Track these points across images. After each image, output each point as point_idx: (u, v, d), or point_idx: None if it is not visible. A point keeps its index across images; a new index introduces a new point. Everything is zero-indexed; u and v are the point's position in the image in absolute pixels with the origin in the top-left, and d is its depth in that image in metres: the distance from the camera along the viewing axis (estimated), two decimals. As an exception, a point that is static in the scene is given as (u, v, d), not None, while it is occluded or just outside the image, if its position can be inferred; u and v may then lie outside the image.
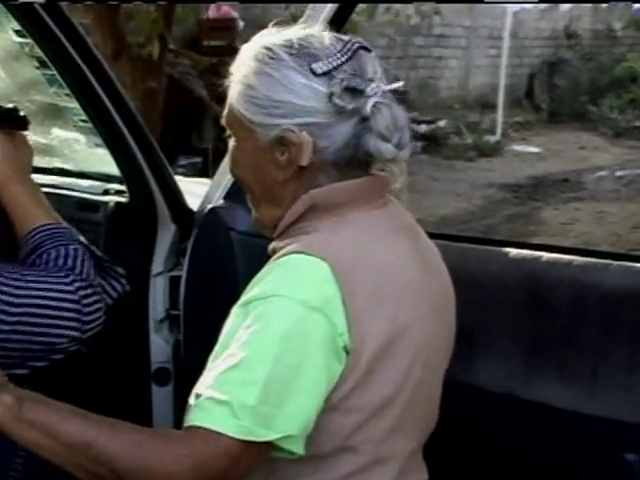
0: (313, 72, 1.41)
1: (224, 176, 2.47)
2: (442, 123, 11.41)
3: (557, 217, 8.28)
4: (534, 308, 2.08)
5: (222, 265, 2.50)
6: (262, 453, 1.34)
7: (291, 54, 1.42)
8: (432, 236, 2.31)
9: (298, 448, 1.34)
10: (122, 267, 2.49)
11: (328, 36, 1.46)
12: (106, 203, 2.68)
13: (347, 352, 1.37)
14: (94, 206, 2.69)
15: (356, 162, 1.47)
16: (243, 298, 1.41)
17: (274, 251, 1.51)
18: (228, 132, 1.52)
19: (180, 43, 8.98)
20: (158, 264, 2.61)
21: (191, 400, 1.35)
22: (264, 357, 1.32)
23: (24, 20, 2.28)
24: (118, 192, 2.70)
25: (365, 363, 1.39)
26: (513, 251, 2.14)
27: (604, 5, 13.97)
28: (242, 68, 1.46)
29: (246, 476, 1.38)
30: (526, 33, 14.19)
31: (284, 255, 1.42)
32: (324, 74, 1.41)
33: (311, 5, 2.24)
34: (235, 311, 1.41)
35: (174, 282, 2.59)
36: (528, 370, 2.07)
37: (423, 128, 11.12)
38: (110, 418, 1.37)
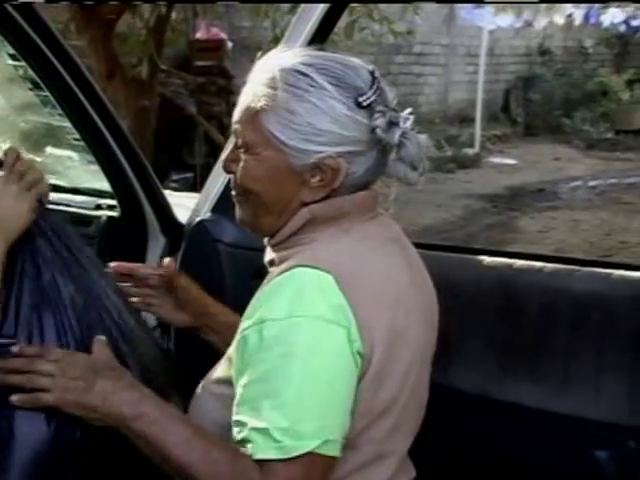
0: (358, 105, 1.43)
1: (212, 190, 2.48)
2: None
3: (533, 225, 8.28)
4: (507, 313, 2.08)
5: (210, 275, 2.49)
6: (323, 464, 1.36)
7: (332, 84, 1.43)
8: (414, 246, 2.32)
9: (336, 451, 1.37)
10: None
11: (356, 64, 1.48)
12: (98, 217, 2.68)
13: (361, 357, 1.39)
14: (87, 220, 2.69)
15: (366, 184, 1.50)
16: (254, 316, 1.41)
17: (273, 263, 1.52)
18: (240, 143, 1.49)
19: (171, 63, 8.96)
20: (149, 275, 2.60)
21: (237, 430, 1.38)
22: (291, 380, 1.35)
23: (18, 44, 2.28)
24: (110, 207, 2.70)
25: (374, 368, 1.41)
26: (487, 258, 2.15)
27: (576, 23, 14.00)
28: (273, 93, 1.43)
29: None
30: (502, 51, 14.21)
31: (289, 269, 1.42)
32: (367, 107, 1.43)
33: (292, 24, 2.24)
34: (248, 331, 1.41)
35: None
36: (502, 372, 2.08)
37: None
38: (207, 438, 1.43)
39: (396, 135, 1.44)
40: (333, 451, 1.36)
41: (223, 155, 1.58)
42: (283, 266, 1.44)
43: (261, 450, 1.34)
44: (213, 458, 1.39)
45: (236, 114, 1.50)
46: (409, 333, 1.49)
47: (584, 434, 1.98)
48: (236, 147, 1.51)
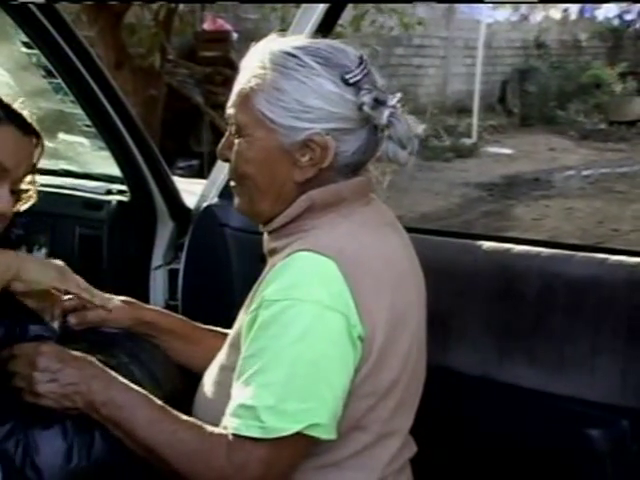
0: (345, 82, 1.43)
1: (219, 176, 2.47)
2: (422, 127, 11.39)
3: (529, 213, 8.27)
4: (505, 296, 2.08)
5: (216, 259, 2.50)
6: (300, 446, 1.38)
7: (320, 63, 1.43)
8: (412, 231, 2.32)
9: (329, 434, 1.37)
10: (124, 261, 2.51)
11: (346, 47, 1.48)
12: (109, 202, 2.68)
13: (362, 341, 1.39)
14: (98, 205, 2.69)
15: (358, 165, 1.50)
16: (258, 299, 1.41)
17: (274, 251, 1.51)
18: (234, 130, 1.49)
19: (178, 54, 8.94)
20: (157, 258, 2.62)
21: (230, 402, 1.39)
22: (282, 359, 1.35)
23: (31, 33, 2.28)
24: (120, 192, 2.70)
25: (376, 350, 1.41)
26: (486, 244, 2.15)
27: (571, 17, 13.97)
28: (263, 73, 1.44)
29: (294, 469, 1.41)
30: (499, 43, 14.18)
31: (290, 254, 1.41)
32: (353, 84, 1.43)
33: (298, 15, 2.23)
34: (253, 314, 1.41)
35: (172, 275, 2.59)
36: (500, 354, 2.08)
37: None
38: (175, 417, 1.43)
39: (384, 114, 1.44)
40: (323, 434, 1.36)
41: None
42: (285, 252, 1.44)
43: (245, 427, 1.34)
44: (179, 438, 1.39)
45: (230, 101, 1.50)
46: (408, 315, 1.50)
47: (579, 414, 1.97)
48: (230, 134, 1.51)
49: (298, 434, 1.33)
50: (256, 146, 1.46)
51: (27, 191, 1.71)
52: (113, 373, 1.47)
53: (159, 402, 1.45)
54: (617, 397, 1.94)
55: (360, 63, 1.46)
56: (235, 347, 1.49)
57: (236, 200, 1.56)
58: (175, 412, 1.45)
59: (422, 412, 1.65)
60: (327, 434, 1.37)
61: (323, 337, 1.36)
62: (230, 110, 1.49)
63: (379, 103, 1.44)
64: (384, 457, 1.52)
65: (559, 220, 7.94)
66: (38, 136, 1.65)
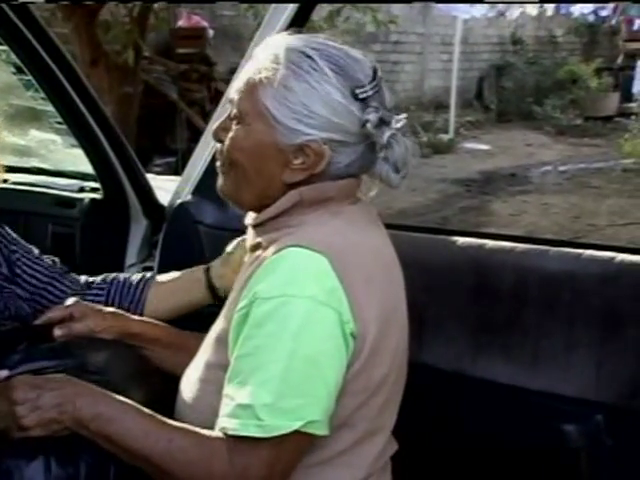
0: (354, 95, 1.42)
1: (192, 173, 2.45)
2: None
3: (506, 209, 8.30)
4: (480, 292, 2.08)
5: (191, 256, 2.47)
6: (300, 443, 1.37)
7: (333, 70, 1.42)
8: (387, 227, 2.31)
9: (323, 430, 1.37)
10: (97, 259, 2.49)
11: (361, 58, 1.48)
12: (82, 200, 2.67)
13: (354, 338, 1.39)
14: (70, 203, 2.68)
15: (349, 177, 1.49)
16: (248, 296, 1.39)
17: (258, 246, 1.50)
18: (233, 114, 1.48)
19: (154, 51, 8.92)
20: (131, 256, 2.60)
21: (224, 402, 1.37)
22: (278, 356, 1.34)
23: (0, 29, 2.25)
24: (93, 189, 2.69)
25: (368, 346, 1.41)
26: (460, 239, 2.15)
27: (547, 13, 14.02)
28: (275, 67, 1.43)
29: (294, 466, 1.40)
30: (475, 39, 14.22)
31: (282, 249, 1.40)
32: (362, 100, 1.43)
33: (270, 12, 2.22)
34: (243, 310, 1.39)
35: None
36: (475, 349, 2.07)
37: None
38: (168, 425, 1.41)
39: (386, 135, 1.44)
40: (318, 430, 1.36)
41: (214, 124, 1.54)
42: (274, 247, 1.43)
43: (244, 427, 1.33)
44: (177, 446, 1.37)
45: (236, 84, 1.49)
46: (397, 310, 1.52)
47: (554, 409, 1.98)
48: (229, 118, 1.50)
49: (297, 432, 1.33)
50: (252, 137, 1.45)
51: None
52: (96, 387, 1.45)
53: (149, 411, 1.43)
54: (592, 392, 1.94)
55: (373, 79, 1.45)
56: (222, 343, 1.47)
57: (220, 181, 1.55)
58: (166, 419, 1.43)
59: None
60: (322, 430, 1.37)
61: (318, 333, 1.36)
62: (234, 95, 1.48)
63: (383, 123, 1.44)
64: (371, 455, 1.52)
65: (536, 215, 7.97)
66: None
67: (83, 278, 1.96)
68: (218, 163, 1.54)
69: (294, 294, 1.35)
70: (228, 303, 1.51)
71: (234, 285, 1.55)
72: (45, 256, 1.94)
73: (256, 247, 1.51)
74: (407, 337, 1.59)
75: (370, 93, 1.44)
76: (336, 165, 1.45)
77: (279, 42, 1.46)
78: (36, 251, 1.93)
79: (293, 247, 1.39)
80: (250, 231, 1.56)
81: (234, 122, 1.48)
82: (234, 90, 1.49)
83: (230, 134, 1.48)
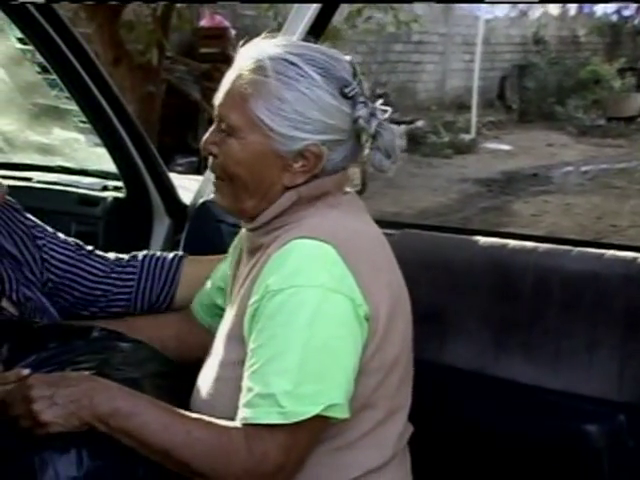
0: (343, 95, 1.46)
1: (215, 172, 2.46)
2: (420, 123, 11.39)
3: (527, 209, 8.27)
4: (502, 291, 2.07)
5: (213, 255, 2.48)
6: (317, 428, 1.40)
7: (320, 74, 1.45)
8: (408, 226, 2.32)
9: (344, 413, 1.39)
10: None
11: (339, 55, 1.50)
12: (105, 198, 2.68)
13: (367, 320, 1.42)
14: (94, 201, 2.69)
15: (342, 170, 1.53)
16: (259, 291, 1.41)
17: (260, 246, 1.51)
18: (223, 127, 1.48)
19: (177, 50, 8.94)
20: (154, 254, 2.60)
21: (243, 394, 1.39)
22: (294, 345, 1.37)
23: (26, 29, 2.27)
24: (116, 188, 2.70)
25: (382, 327, 1.44)
26: (482, 239, 2.15)
27: (570, 13, 13.96)
28: (262, 79, 1.44)
29: (309, 452, 1.42)
30: (497, 39, 14.17)
31: (286, 243, 1.42)
32: (350, 97, 1.46)
33: (292, 13, 2.23)
34: (255, 305, 1.42)
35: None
36: (496, 349, 2.07)
37: (403, 128, 11.09)
38: (186, 417, 1.43)
39: (373, 125, 1.48)
40: (339, 413, 1.38)
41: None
42: (278, 243, 1.45)
43: (265, 415, 1.35)
44: (195, 437, 1.39)
45: (220, 98, 1.50)
46: (403, 292, 1.55)
47: (576, 409, 1.97)
48: (218, 130, 1.50)
49: (316, 416, 1.35)
50: (249, 149, 1.46)
51: None
52: (112, 383, 1.46)
53: (165, 404, 1.45)
54: (614, 392, 1.94)
55: (355, 74, 1.49)
56: (235, 340, 1.49)
57: (218, 196, 1.56)
58: (183, 411, 1.44)
59: (419, 406, 1.65)
60: (343, 413, 1.39)
61: (331, 320, 1.39)
62: (221, 109, 1.49)
63: (372, 115, 1.48)
64: (394, 434, 1.55)
65: (558, 216, 7.93)
66: None
67: (112, 255, 1.96)
68: (212, 177, 1.55)
69: (304, 284, 1.38)
70: (237, 301, 1.52)
71: (237, 283, 1.58)
72: (70, 239, 1.95)
73: (257, 249, 1.53)
74: (411, 321, 1.60)
75: (357, 90, 1.47)
76: (331, 162, 1.49)
77: (259, 51, 1.48)
78: (61, 235, 1.94)
79: (298, 239, 1.42)
80: (246, 234, 1.58)
81: (224, 134, 1.48)
82: (220, 103, 1.50)
83: (224, 148, 1.49)
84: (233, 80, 1.48)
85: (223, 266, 1.78)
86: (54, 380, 1.43)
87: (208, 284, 1.81)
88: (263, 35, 1.53)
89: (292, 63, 1.45)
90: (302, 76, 1.44)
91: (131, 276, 1.93)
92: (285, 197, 1.49)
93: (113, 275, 1.92)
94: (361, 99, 1.47)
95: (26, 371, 1.48)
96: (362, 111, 1.46)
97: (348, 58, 1.51)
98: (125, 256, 1.98)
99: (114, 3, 6.46)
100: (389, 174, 1.54)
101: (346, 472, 1.50)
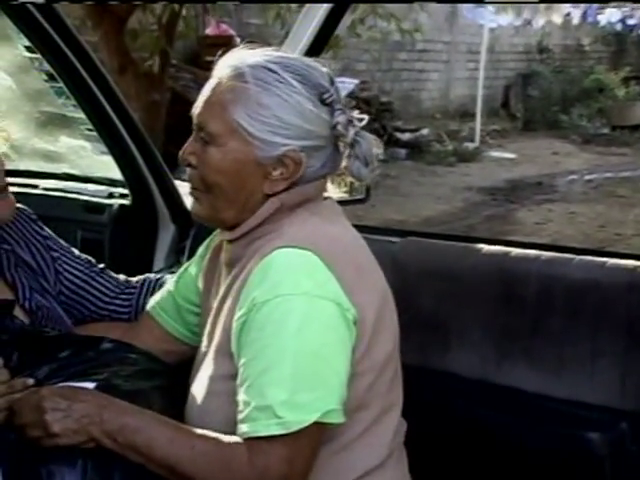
0: (322, 101, 1.47)
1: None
2: (425, 131, 11.39)
3: (531, 217, 8.28)
4: (505, 299, 2.08)
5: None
6: (316, 435, 1.40)
7: (298, 81, 1.46)
8: (412, 234, 2.32)
9: (340, 418, 1.40)
10: (126, 264, 2.51)
11: (316, 64, 1.52)
12: (111, 205, 2.69)
13: (355, 323, 1.43)
14: (100, 208, 2.70)
15: (321, 178, 1.54)
16: (245, 304, 1.41)
17: (237, 259, 1.51)
18: (202, 137, 1.48)
19: (182, 58, 8.97)
20: (159, 262, 2.61)
21: (240, 409, 1.39)
22: (285, 354, 1.37)
23: (33, 37, 2.28)
24: (122, 195, 2.71)
25: (370, 329, 1.45)
26: (485, 247, 2.16)
27: (574, 22, 13.96)
28: (242, 86, 1.45)
29: (313, 459, 1.42)
30: (502, 48, 14.18)
31: (269, 252, 1.43)
32: (329, 104, 1.48)
33: (297, 22, 2.24)
34: (242, 318, 1.42)
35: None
36: (500, 357, 2.08)
37: (407, 136, 11.11)
38: (191, 432, 1.44)
39: (351, 133, 1.49)
40: (336, 419, 1.39)
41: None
42: (260, 253, 1.45)
43: (264, 427, 1.36)
44: (199, 451, 1.40)
45: (199, 107, 1.50)
46: (387, 292, 1.55)
47: (578, 416, 1.98)
48: (197, 140, 1.50)
49: (314, 423, 1.36)
50: (229, 157, 1.47)
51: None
52: (119, 400, 1.47)
53: (170, 420, 1.46)
54: (616, 400, 1.95)
55: (332, 82, 1.50)
56: (224, 355, 1.49)
57: (195, 206, 1.55)
58: (188, 427, 1.46)
59: (422, 414, 1.66)
60: (339, 418, 1.40)
61: (319, 326, 1.40)
62: (200, 118, 1.49)
63: (349, 123, 1.49)
64: (388, 432, 1.55)
65: (562, 224, 7.94)
66: None
67: (122, 277, 1.99)
68: (190, 186, 1.54)
69: (289, 292, 1.39)
70: (223, 315, 1.52)
71: (215, 295, 1.58)
72: (83, 255, 1.97)
73: (236, 260, 1.53)
74: (396, 318, 1.60)
75: (335, 96, 1.49)
76: (311, 169, 1.49)
77: (238, 60, 1.49)
78: (75, 250, 1.96)
79: (279, 249, 1.42)
80: (226, 246, 1.57)
81: (202, 143, 1.48)
82: (199, 112, 1.50)
83: (204, 157, 1.48)
84: (212, 88, 1.49)
85: (189, 271, 1.76)
86: (68, 394, 1.45)
87: (171, 287, 1.78)
88: (241, 46, 1.53)
89: (271, 70, 1.46)
90: (281, 82, 1.45)
91: (131, 297, 1.97)
92: (267, 205, 1.49)
93: (122, 296, 1.96)
94: (338, 106, 1.49)
95: (31, 381, 1.49)
96: (340, 117, 1.48)
97: (325, 69, 1.52)
98: (133, 279, 2.01)
99: (114, 2, 6.45)
100: (367, 182, 1.58)
101: (345, 475, 1.51)
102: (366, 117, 1.52)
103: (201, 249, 1.75)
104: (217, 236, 1.64)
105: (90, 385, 1.52)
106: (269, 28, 8.52)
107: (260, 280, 1.41)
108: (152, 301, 1.82)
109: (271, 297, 1.38)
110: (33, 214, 1.93)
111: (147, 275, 2.03)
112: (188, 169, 1.52)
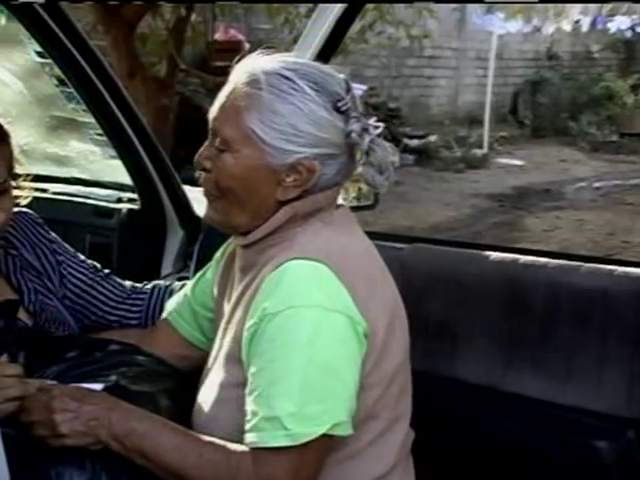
0: (336, 109, 1.47)
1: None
2: (433, 138, 11.40)
3: (539, 224, 8.27)
4: (512, 307, 2.08)
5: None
6: (322, 447, 1.40)
7: (313, 89, 1.45)
8: (419, 240, 2.33)
9: (347, 430, 1.40)
10: (134, 268, 2.52)
11: (332, 71, 1.51)
12: (119, 210, 2.70)
13: (366, 336, 1.43)
14: (109, 213, 2.71)
15: (335, 186, 1.53)
16: (256, 314, 1.42)
17: (254, 264, 1.52)
18: (217, 142, 1.49)
19: (190, 63, 8.99)
20: (167, 266, 2.62)
21: (248, 418, 1.39)
22: (295, 366, 1.37)
23: (44, 42, 2.30)
24: (130, 200, 2.72)
25: (380, 342, 1.45)
26: (493, 254, 2.15)
27: (583, 29, 13.96)
28: (257, 93, 1.45)
29: (318, 471, 1.43)
30: (510, 54, 14.18)
31: (281, 264, 1.43)
32: (343, 112, 1.47)
33: (308, 27, 2.25)
34: (252, 328, 1.42)
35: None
36: (507, 364, 2.08)
37: (415, 142, 11.12)
38: (198, 439, 1.44)
39: (366, 141, 1.48)
40: (343, 431, 1.39)
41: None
42: (272, 263, 1.45)
43: (271, 438, 1.36)
44: (207, 459, 1.41)
45: (215, 112, 1.51)
46: (398, 303, 1.56)
47: (585, 425, 1.98)
48: (212, 145, 1.51)
49: (322, 436, 1.36)
50: (243, 163, 1.47)
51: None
52: (127, 404, 1.48)
53: (179, 426, 1.47)
54: (623, 408, 1.95)
55: (348, 89, 1.50)
56: (234, 363, 1.50)
57: (208, 210, 1.56)
58: (196, 434, 1.46)
59: (429, 421, 1.66)
60: (347, 431, 1.40)
61: (329, 339, 1.39)
62: (215, 123, 1.50)
63: (364, 130, 1.49)
64: (396, 442, 1.56)
65: (570, 232, 7.93)
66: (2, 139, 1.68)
67: (128, 283, 2.00)
68: (204, 190, 1.55)
69: (301, 304, 1.39)
70: (234, 322, 1.52)
71: (228, 300, 1.59)
72: (89, 261, 1.98)
73: (249, 267, 1.53)
74: (407, 330, 1.60)
75: (350, 104, 1.48)
76: (325, 177, 1.49)
77: (254, 66, 1.49)
78: (80, 256, 1.97)
79: (291, 260, 1.42)
80: (239, 252, 1.58)
81: (217, 148, 1.49)
82: (214, 116, 1.50)
83: (218, 163, 1.49)
84: (227, 94, 1.49)
85: (206, 276, 1.77)
86: (78, 395, 1.46)
87: (188, 293, 1.79)
88: (259, 51, 1.53)
89: (286, 77, 1.46)
90: (296, 90, 1.45)
91: (140, 302, 1.97)
92: (281, 213, 1.49)
93: (128, 301, 1.96)
94: (354, 114, 1.48)
95: (47, 382, 1.51)
96: (355, 125, 1.47)
97: (342, 76, 1.52)
98: (139, 285, 2.02)
99: (114, 3, 6.46)
100: (382, 190, 1.56)
101: None
102: (382, 125, 1.52)
103: (217, 255, 1.76)
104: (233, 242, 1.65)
105: (98, 387, 1.53)
106: (278, 33, 8.54)
107: (272, 291, 1.41)
108: (169, 307, 1.82)
109: (283, 308, 1.38)
110: (38, 218, 1.94)
111: (156, 282, 2.04)
112: (202, 173, 1.53)
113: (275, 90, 1.45)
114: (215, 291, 1.70)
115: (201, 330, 1.75)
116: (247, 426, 1.39)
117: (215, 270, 1.73)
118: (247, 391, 1.41)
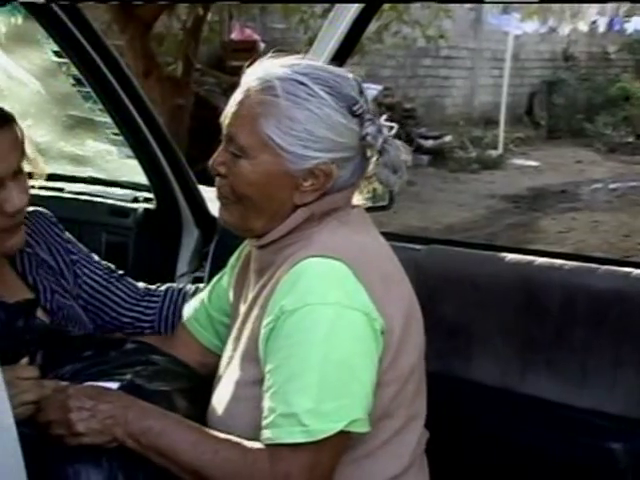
0: (352, 113, 1.47)
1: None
2: (448, 138, 11.38)
3: (555, 226, 8.25)
4: (527, 308, 2.08)
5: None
6: (339, 444, 1.40)
7: (328, 93, 1.46)
8: (434, 242, 2.33)
9: (364, 427, 1.41)
10: (149, 268, 2.53)
11: (344, 73, 1.52)
12: (135, 209, 2.71)
13: (383, 334, 1.43)
14: (125, 212, 2.72)
15: (350, 186, 1.54)
16: (273, 311, 1.42)
17: (270, 264, 1.52)
18: (233, 149, 1.48)
19: (206, 63, 9.01)
20: (182, 266, 2.63)
21: (265, 415, 1.40)
22: (312, 363, 1.38)
23: (61, 42, 2.31)
24: (146, 199, 2.73)
25: (397, 340, 1.46)
26: (508, 255, 2.15)
27: (600, 30, 13.90)
28: (273, 99, 1.45)
29: (334, 468, 1.43)
30: (527, 55, 14.14)
31: (298, 262, 1.43)
32: (358, 115, 1.48)
33: (324, 27, 2.25)
34: (270, 325, 1.42)
35: (197, 282, 2.60)
36: (522, 366, 2.08)
37: (430, 143, 11.10)
38: (214, 437, 1.45)
39: (380, 141, 1.50)
40: (360, 428, 1.40)
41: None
42: (290, 262, 1.45)
43: (288, 434, 1.36)
44: (223, 457, 1.41)
45: (229, 118, 1.50)
46: (414, 302, 1.56)
47: (600, 427, 1.97)
48: (227, 150, 1.51)
49: (338, 432, 1.36)
50: (260, 169, 1.47)
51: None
52: (143, 402, 1.49)
53: (194, 424, 1.48)
54: (638, 410, 1.94)
55: (361, 91, 1.51)
56: (251, 361, 1.50)
57: (224, 214, 1.56)
58: (212, 431, 1.47)
59: (443, 422, 1.66)
60: (364, 427, 1.41)
61: (347, 336, 1.40)
62: (230, 129, 1.49)
63: (378, 132, 1.50)
64: (412, 441, 1.56)
65: (585, 233, 7.90)
66: (8, 121, 1.68)
67: (142, 285, 2.01)
68: (219, 195, 1.55)
69: (318, 302, 1.39)
70: (251, 321, 1.53)
71: (244, 302, 1.59)
72: (103, 262, 1.99)
73: (265, 268, 1.54)
74: (423, 329, 1.60)
75: (364, 107, 1.49)
76: (341, 179, 1.50)
77: (267, 72, 1.49)
78: (95, 256, 1.98)
79: (309, 258, 1.43)
80: (255, 253, 1.58)
81: (235, 156, 1.49)
82: (229, 123, 1.50)
83: (234, 170, 1.49)
84: (241, 101, 1.49)
85: (221, 282, 1.78)
86: (93, 394, 1.47)
87: (204, 299, 1.80)
88: (269, 55, 1.54)
89: (301, 83, 1.46)
90: (312, 95, 1.45)
91: (154, 305, 1.98)
92: (297, 214, 1.50)
93: (142, 303, 1.98)
94: (368, 116, 1.49)
95: (63, 384, 1.52)
96: (370, 128, 1.48)
97: (352, 76, 1.52)
98: (153, 286, 2.03)
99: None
100: (395, 189, 1.58)
101: None
102: (395, 125, 1.54)
103: (232, 259, 1.76)
104: (248, 245, 1.65)
105: (113, 385, 1.54)
106: (293, 33, 8.55)
107: (289, 288, 1.42)
108: (186, 313, 1.82)
109: (300, 306, 1.39)
110: (53, 217, 1.95)
111: (170, 284, 2.05)
112: (217, 178, 1.53)
113: (291, 96, 1.45)
114: (231, 296, 1.70)
115: (218, 336, 1.75)
116: (264, 423, 1.40)
117: (230, 275, 1.73)
118: (264, 388, 1.42)
